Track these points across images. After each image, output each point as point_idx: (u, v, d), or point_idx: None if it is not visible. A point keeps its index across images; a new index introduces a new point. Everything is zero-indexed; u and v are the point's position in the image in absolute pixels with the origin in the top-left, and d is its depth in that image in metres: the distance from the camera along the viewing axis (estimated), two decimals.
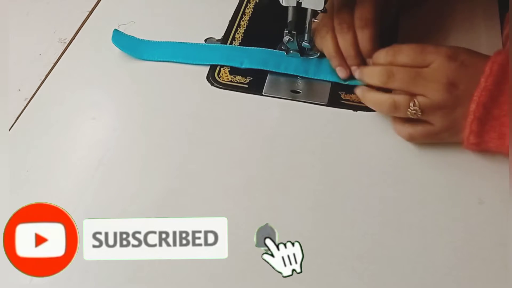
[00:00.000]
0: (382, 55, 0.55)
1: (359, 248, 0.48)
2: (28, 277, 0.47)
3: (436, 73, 0.51)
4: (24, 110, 0.60)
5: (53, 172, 0.55)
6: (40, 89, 0.62)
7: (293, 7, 0.58)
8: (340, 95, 0.60)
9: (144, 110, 0.60)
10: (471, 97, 0.50)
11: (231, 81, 0.62)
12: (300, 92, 0.60)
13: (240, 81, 0.62)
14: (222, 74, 0.62)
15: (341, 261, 0.47)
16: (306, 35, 0.61)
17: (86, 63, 0.65)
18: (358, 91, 0.56)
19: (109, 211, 0.51)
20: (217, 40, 0.66)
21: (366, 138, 0.56)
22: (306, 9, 0.58)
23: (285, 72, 0.61)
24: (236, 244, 0.48)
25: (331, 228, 0.49)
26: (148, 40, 0.66)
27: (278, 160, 0.54)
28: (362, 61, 0.58)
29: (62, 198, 0.52)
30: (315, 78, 0.61)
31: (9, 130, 0.58)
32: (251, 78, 0.62)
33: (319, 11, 0.57)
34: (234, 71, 0.63)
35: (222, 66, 0.63)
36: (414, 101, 0.51)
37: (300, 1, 0.56)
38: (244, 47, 0.65)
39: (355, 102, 0.59)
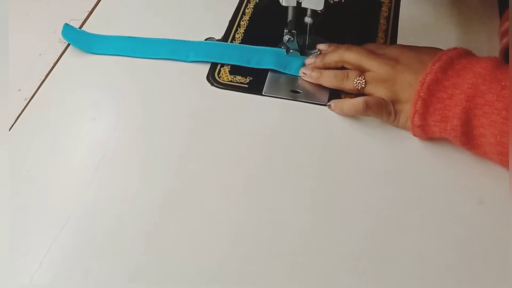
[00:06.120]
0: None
1: (359, 248, 0.48)
2: (28, 277, 0.47)
3: (387, 53, 0.58)
4: (24, 110, 0.60)
5: (53, 172, 0.55)
6: (40, 89, 0.62)
7: (293, 7, 0.58)
8: (340, 95, 0.59)
9: (144, 110, 0.60)
10: (410, 70, 0.54)
11: (231, 81, 0.62)
12: (300, 92, 0.60)
13: (240, 81, 0.62)
14: (222, 74, 0.62)
15: (341, 261, 0.47)
16: (306, 35, 0.61)
17: (86, 63, 0.65)
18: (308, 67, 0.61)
19: (109, 211, 0.51)
20: (217, 40, 0.66)
21: (366, 138, 0.56)
22: (306, 9, 0.58)
23: (229, 63, 0.63)
24: (236, 243, 0.48)
25: (331, 228, 0.49)
26: (98, 34, 0.67)
27: (278, 160, 0.54)
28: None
29: (62, 198, 0.52)
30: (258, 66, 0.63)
31: (9, 130, 0.58)
32: (251, 78, 0.62)
33: (319, 11, 0.57)
34: (234, 71, 0.63)
35: (222, 66, 0.63)
36: (361, 75, 0.57)
37: (300, 1, 0.56)
38: (190, 40, 0.65)
39: None
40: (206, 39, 0.66)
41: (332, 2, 0.57)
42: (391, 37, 0.66)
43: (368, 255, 0.47)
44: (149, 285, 0.47)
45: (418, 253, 0.47)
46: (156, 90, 0.61)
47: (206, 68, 0.63)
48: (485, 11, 0.68)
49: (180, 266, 0.47)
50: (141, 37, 0.67)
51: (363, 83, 0.56)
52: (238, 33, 0.67)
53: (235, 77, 0.62)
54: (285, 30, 0.60)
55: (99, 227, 0.50)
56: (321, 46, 0.62)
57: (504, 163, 0.49)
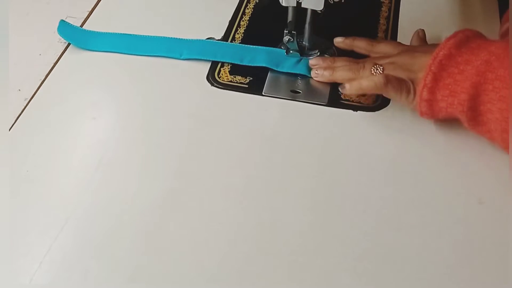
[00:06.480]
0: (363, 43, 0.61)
1: (359, 248, 0.48)
2: (28, 277, 0.47)
3: (403, 48, 0.59)
4: (24, 110, 0.60)
5: (53, 172, 0.55)
6: (40, 89, 0.62)
7: (293, 7, 0.58)
8: (340, 95, 0.59)
9: (144, 110, 0.60)
10: (428, 54, 0.53)
11: (231, 81, 0.62)
12: (300, 92, 0.60)
13: (240, 81, 0.62)
14: (222, 74, 0.62)
15: (341, 261, 0.47)
16: (306, 35, 0.61)
17: (86, 63, 0.65)
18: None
19: (109, 211, 0.51)
20: (217, 40, 0.66)
21: (366, 138, 0.56)
22: (306, 9, 0.58)
23: (222, 61, 0.64)
24: (236, 243, 0.48)
25: (331, 228, 0.49)
26: (93, 31, 0.67)
27: (278, 160, 0.54)
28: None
29: (62, 198, 0.52)
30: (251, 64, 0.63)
31: (9, 130, 0.58)
32: (251, 78, 0.62)
33: (319, 11, 0.57)
34: (234, 71, 0.63)
35: (222, 66, 0.63)
36: (378, 63, 0.57)
37: (300, 1, 0.56)
38: (184, 38, 0.66)
39: (355, 102, 0.59)
40: (206, 39, 0.66)
41: (332, 2, 0.57)
42: (391, 37, 0.66)
43: (368, 255, 0.47)
44: (149, 285, 0.47)
45: (418, 253, 0.47)
46: (156, 90, 0.61)
47: (206, 68, 0.63)
48: (485, 11, 0.68)
49: (180, 266, 0.47)
50: (135, 35, 0.67)
51: (381, 69, 0.56)
52: (238, 33, 0.67)
53: (235, 77, 0.62)
54: (285, 31, 0.60)
55: (99, 227, 0.50)
56: (338, 39, 0.63)
57: (507, 142, 0.49)
